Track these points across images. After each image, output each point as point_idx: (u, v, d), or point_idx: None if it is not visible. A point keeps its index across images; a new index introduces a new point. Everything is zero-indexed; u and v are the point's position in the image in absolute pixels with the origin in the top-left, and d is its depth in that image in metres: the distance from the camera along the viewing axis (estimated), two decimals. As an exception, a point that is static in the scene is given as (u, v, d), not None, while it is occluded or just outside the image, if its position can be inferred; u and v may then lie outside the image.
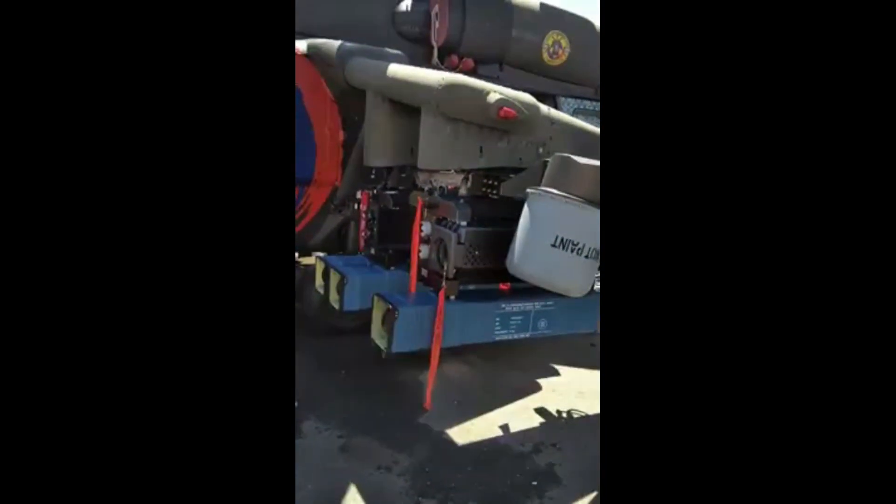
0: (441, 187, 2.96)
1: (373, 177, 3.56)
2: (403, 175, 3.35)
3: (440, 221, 2.52)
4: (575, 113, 4.46)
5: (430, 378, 2.41)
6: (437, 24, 3.98)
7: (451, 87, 2.33)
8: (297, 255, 4.43)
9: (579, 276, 2.15)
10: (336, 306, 3.05)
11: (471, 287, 2.55)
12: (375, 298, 2.50)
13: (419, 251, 2.57)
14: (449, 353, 2.65)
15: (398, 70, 2.75)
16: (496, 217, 2.45)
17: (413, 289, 2.60)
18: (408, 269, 2.88)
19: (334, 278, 3.06)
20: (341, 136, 3.71)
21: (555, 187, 2.09)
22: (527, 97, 2.51)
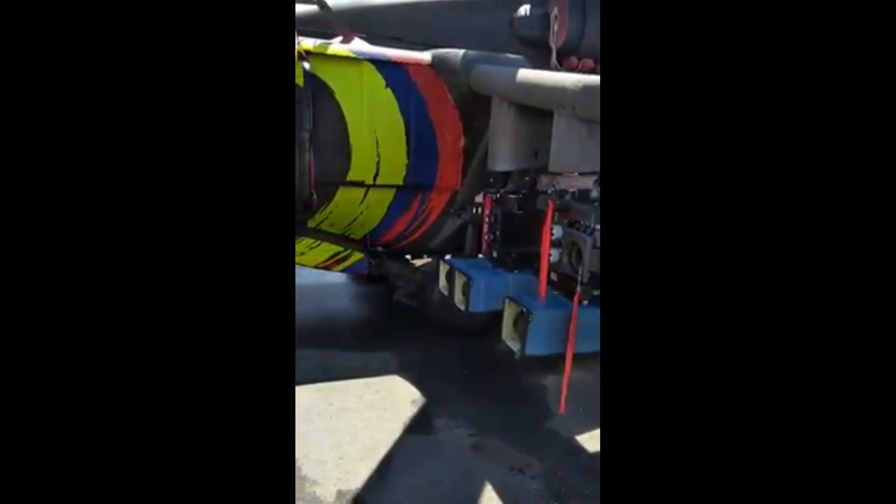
0: (565, 190, 2.93)
1: (491, 181, 3.63)
2: (526, 179, 3.36)
3: (572, 224, 2.50)
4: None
5: (563, 383, 2.39)
6: (555, 27, 3.94)
7: (588, 90, 2.30)
8: (411, 256, 4.63)
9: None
10: (461, 307, 3.13)
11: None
12: (507, 301, 2.53)
13: (550, 255, 2.56)
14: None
15: (528, 75, 2.78)
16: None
17: (543, 293, 2.61)
18: (533, 272, 2.89)
19: (459, 280, 3.14)
20: (462, 142, 3.81)
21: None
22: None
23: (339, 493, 2.20)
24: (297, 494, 2.17)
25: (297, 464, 2.36)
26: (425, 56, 3.72)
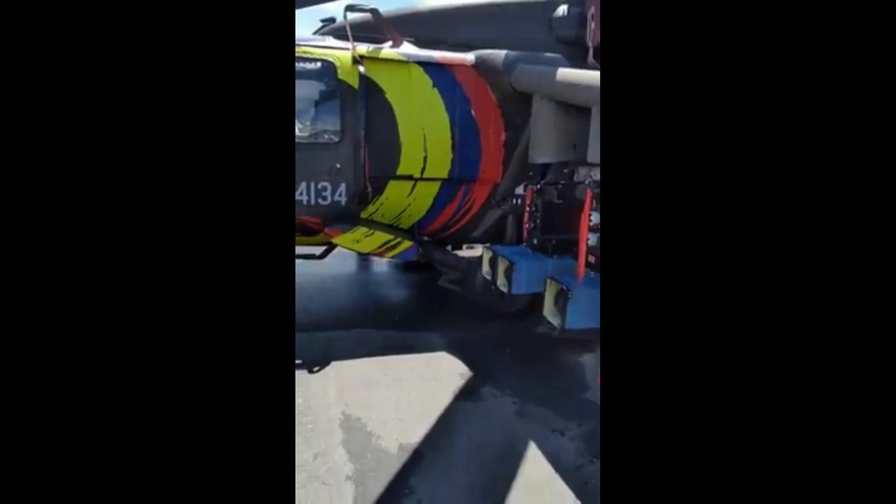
0: (599, 181, 3.15)
1: (531, 174, 3.87)
2: (564, 170, 3.59)
3: (609, 211, 2.73)
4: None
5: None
6: (592, 25, 4.13)
7: (625, 87, 2.53)
8: (455, 245, 4.92)
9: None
10: (504, 290, 3.39)
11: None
12: (549, 280, 2.78)
13: (587, 239, 2.80)
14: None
15: (568, 74, 3.01)
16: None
17: (581, 273, 2.85)
18: (572, 257, 3.13)
19: (502, 265, 3.41)
20: (503, 137, 4.07)
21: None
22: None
23: (401, 447, 2.50)
24: (364, 447, 2.48)
25: (363, 422, 2.68)
26: (469, 57, 3.98)
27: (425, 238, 4.35)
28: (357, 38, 3.73)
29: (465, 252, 4.80)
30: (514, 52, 3.85)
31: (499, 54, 3.86)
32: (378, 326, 4.01)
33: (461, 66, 3.95)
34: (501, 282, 3.40)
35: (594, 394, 3.06)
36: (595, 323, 2.65)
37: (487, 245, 3.80)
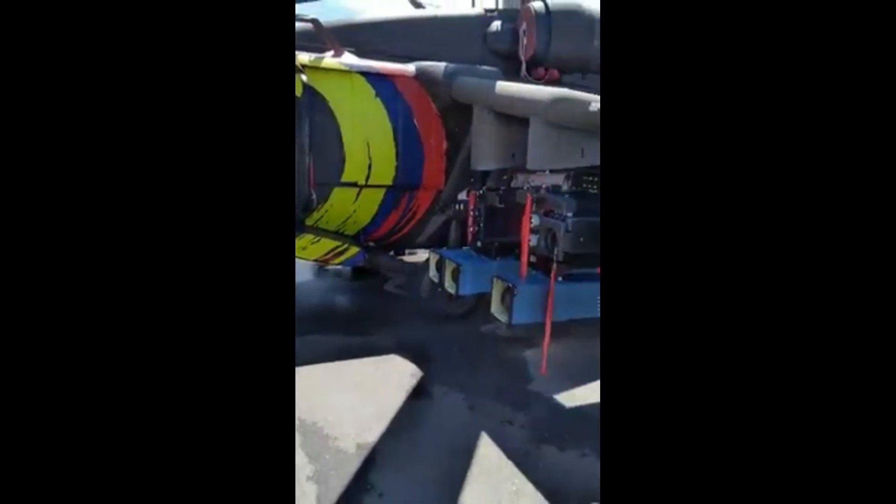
0: (538, 186, 3.39)
1: (472, 180, 4.05)
2: (504, 177, 3.80)
3: (547, 214, 2.94)
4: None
5: (544, 347, 2.83)
6: (524, 41, 4.40)
7: (559, 101, 2.75)
8: (400, 251, 5.02)
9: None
10: (451, 291, 3.54)
11: (574, 271, 2.96)
12: (495, 279, 2.96)
13: (529, 240, 3.01)
14: (542, 336, 3.04)
15: (507, 87, 3.21)
16: (596, 209, 2.84)
17: (524, 272, 3.04)
18: (514, 258, 3.33)
19: (449, 267, 3.56)
20: (445, 146, 4.23)
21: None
22: (621, 104, 2.89)
23: (359, 446, 2.57)
24: (322, 449, 2.53)
25: (319, 425, 2.72)
26: (409, 68, 4.12)
27: (371, 244, 4.43)
28: (298, 48, 3.77)
29: (407, 258, 4.92)
30: (452, 65, 4.03)
31: (438, 66, 4.03)
32: (329, 332, 4.04)
33: (402, 76, 4.08)
34: (449, 284, 3.55)
35: (538, 385, 3.26)
36: (539, 317, 2.85)
37: (433, 249, 3.93)
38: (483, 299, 3.87)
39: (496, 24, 4.50)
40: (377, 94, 4.01)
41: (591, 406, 3.08)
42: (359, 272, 5.40)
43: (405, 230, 4.43)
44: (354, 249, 4.11)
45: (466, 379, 3.32)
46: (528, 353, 3.73)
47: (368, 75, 3.97)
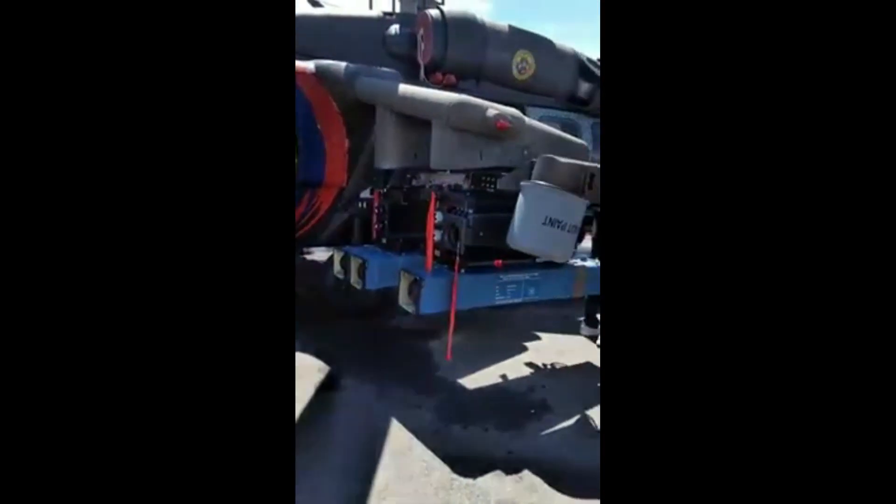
0: (440, 184, 3.60)
1: (375, 178, 4.15)
2: (407, 176, 3.96)
3: (450, 210, 3.15)
4: (541, 120, 5.19)
5: (449, 334, 3.03)
6: (422, 46, 4.59)
7: (459, 105, 2.97)
8: (303, 249, 4.97)
9: (564, 246, 2.84)
10: (358, 287, 3.63)
11: (474, 264, 3.20)
12: (402, 273, 3.11)
13: (433, 235, 3.19)
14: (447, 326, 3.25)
15: (410, 89, 3.37)
16: (494, 206, 3.11)
17: (429, 265, 3.23)
18: (420, 252, 3.50)
19: (354, 263, 3.64)
20: (347, 144, 4.28)
21: (543, 180, 2.77)
22: (515, 111, 3.18)
23: (272, 440, 2.60)
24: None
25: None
26: (309, 66, 4.12)
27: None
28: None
29: (308, 256, 4.89)
30: (353, 65, 4.10)
31: (339, 65, 4.08)
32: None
33: (302, 74, 4.06)
34: (355, 279, 3.63)
35: (443, 372, 3.47)
36: (444, 307, 3.05)
37: (337, 247, 3.98)
38: (388, 295, 4.00)
39: (394, 28, 4.64)
40: (277, 90, 3.96)
41: (492, 386, 3.36)
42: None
43: (307, 228, 4.41)
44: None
45: (375, 370, 3.44)
46: (433, 344, 3.94)
47: (267, 71, 3.91)
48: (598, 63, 5.71)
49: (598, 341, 3.73)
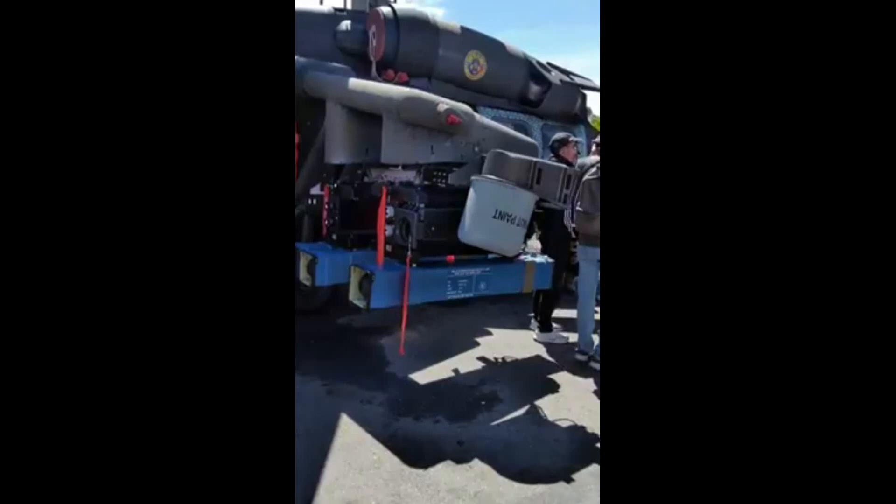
0: (391, 180, 3.60)
1: (325, 174, 4.10)
2: (358, 171, 3.93)
3: (402, 205, 3.16)
4: (493, 120, 5.29)
5: (402, 329, 3.03)
6: (374, 43, 4.58)
7: (410, 99, 2.98)
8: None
9: (514, 239, 2.90)
10: (307, 284, 3.57)
11: (426, 259, 3.22)
12: (353, 268, 3.08)
13: (385, 230, 3.19)
14: (399, 323, 3.25)
15: (360, 84, 3.35)
16: (445, 201, 3.14)
17: (381, 260, 3.21)
18: (372, 248, 3.48)
19: (304, 259, 3.58)
20: (296, 139, 4.20)
21: (493, 174, 2.82)
22: (465, 107, 3.22)
23: (216, 439, 2.51)
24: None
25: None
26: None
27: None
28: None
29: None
30: (303, 59, 4.04)
31: (289, 59, 4.01)
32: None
33: (250, 66, 3.97)
34: (304, 276, 3.56)
35: (394, 368, 3.47)
36: (396, 301, 3.04)
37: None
38: (338, 293, 3.95)
39: (346, 24, 4.62)
40: (223, 83, 3.85)
41: (443, 381, 3.38)
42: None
43: (255, 224, 4.31)
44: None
45: (325, 367, 3.39)
46: (385, 340, 3.92)
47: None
48: (549, 66, 5.89)
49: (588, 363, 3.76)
